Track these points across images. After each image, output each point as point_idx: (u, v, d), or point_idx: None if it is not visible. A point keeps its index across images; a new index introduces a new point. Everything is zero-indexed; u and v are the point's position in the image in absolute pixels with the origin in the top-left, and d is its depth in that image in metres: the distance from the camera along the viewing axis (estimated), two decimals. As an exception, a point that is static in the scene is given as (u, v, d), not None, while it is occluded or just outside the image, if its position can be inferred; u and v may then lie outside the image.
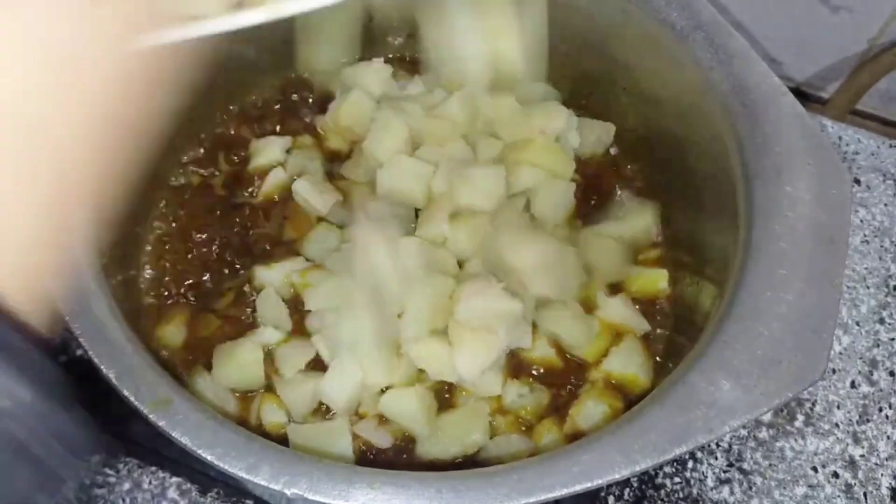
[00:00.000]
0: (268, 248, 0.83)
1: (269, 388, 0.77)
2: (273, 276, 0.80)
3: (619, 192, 0.88)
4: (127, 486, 0.83)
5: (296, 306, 0.80)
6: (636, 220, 0.85)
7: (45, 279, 0.28)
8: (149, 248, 0.82)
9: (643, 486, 0.86)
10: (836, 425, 0.91)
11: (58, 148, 0.27)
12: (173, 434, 0.58)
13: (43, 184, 0.27)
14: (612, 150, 0.91)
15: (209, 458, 0.57)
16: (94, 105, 0.28)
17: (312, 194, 0.82)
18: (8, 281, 0.26)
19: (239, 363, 0.76)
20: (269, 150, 0.86)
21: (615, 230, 0.84)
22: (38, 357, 0.24)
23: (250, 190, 0.86)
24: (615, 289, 0.83)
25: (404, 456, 0.74)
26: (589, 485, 0.57)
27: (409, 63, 0.94)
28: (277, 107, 0.91)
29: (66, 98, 0.27)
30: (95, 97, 0.28)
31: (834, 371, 0.93)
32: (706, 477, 0.87)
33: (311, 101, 0.90)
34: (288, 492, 0.56)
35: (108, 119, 0.28)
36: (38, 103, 0.26)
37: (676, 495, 0.86)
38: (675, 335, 0.80)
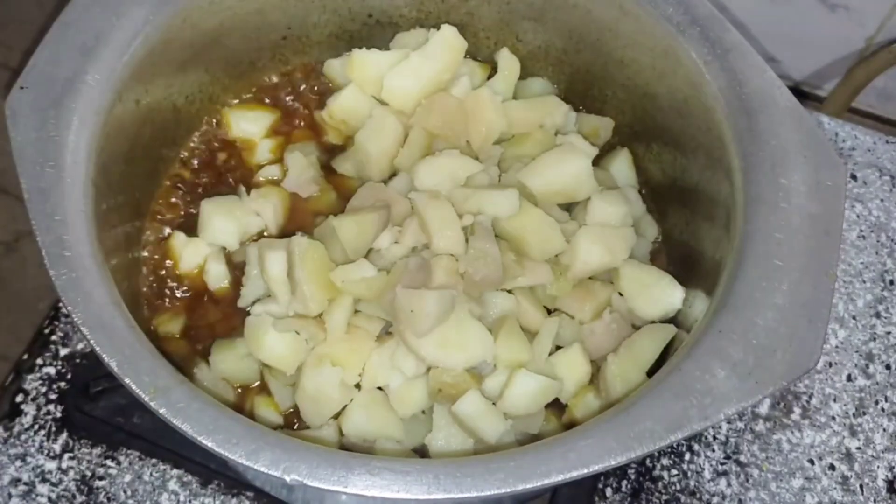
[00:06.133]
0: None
1: (264, 387, 0.77)
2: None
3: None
4: (128, 477, 0.83)
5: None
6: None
7: None
8: (149, 234, 0.83)
9: (641, 479, 0.87)
10: (833, 418, 0.91)
11: None
12: (174, 421, 0.58)
13: None
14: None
15: (209, 444, 0.57)
16: None
17: (301, 186, 0.83)
18: None
19: (236, 356, 0.76)
20: (260, 148, 0.87)
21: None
22: None
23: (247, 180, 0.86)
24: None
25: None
26: (585, 471, 0.58)
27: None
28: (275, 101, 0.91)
29: None
30: None
31: (830, 364, 0.94)
32: (703, 469, 0.88)
33: (312, 92, 0.91)
34: (287, 478, 0.57)
35: None
36: None
37: (674, 487, 0.87)
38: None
